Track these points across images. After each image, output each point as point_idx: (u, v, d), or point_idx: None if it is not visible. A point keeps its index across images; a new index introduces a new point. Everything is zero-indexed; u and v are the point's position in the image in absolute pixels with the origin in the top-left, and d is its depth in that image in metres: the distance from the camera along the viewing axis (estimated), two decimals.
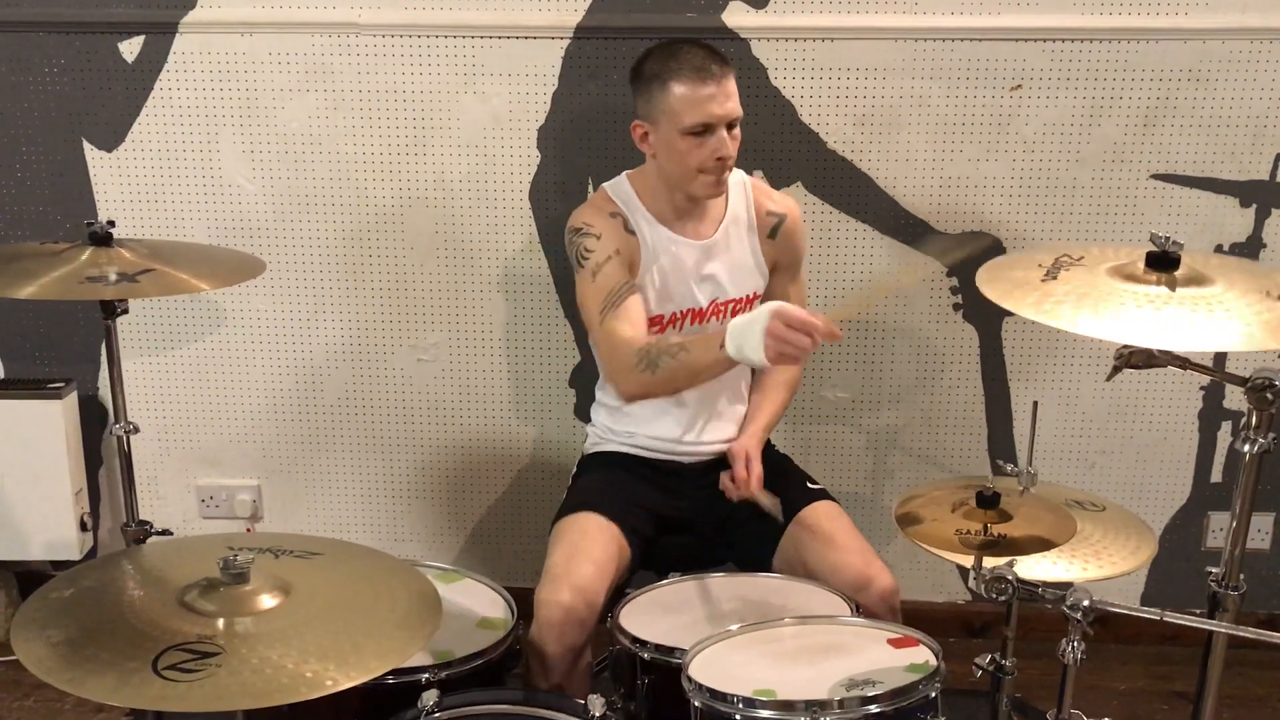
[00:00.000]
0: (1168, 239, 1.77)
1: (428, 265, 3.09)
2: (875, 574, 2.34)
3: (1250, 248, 3.00)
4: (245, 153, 3.04)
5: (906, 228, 3.02)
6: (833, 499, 2.56)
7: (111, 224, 2.27)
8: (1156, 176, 2.96)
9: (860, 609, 2.28)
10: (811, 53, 2.90)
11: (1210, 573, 1.87)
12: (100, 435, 3.27)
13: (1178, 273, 1.76)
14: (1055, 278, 1.80)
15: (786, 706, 1.82)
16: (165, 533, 2.44)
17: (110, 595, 1.97)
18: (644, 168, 2.54)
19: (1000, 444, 3.17)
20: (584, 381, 3.14)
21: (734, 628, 2.08)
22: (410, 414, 3.21)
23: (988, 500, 1.90)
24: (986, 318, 3.07)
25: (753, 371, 2.69)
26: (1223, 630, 1.81)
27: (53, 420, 3.08)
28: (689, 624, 2.25)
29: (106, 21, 2.95)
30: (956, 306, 3.07)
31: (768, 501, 2.41)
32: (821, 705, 1.80)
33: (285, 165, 3.04)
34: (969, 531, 1.87)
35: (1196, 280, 1.76)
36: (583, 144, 3.00)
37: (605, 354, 2.44)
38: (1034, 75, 2.90)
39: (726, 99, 2.36)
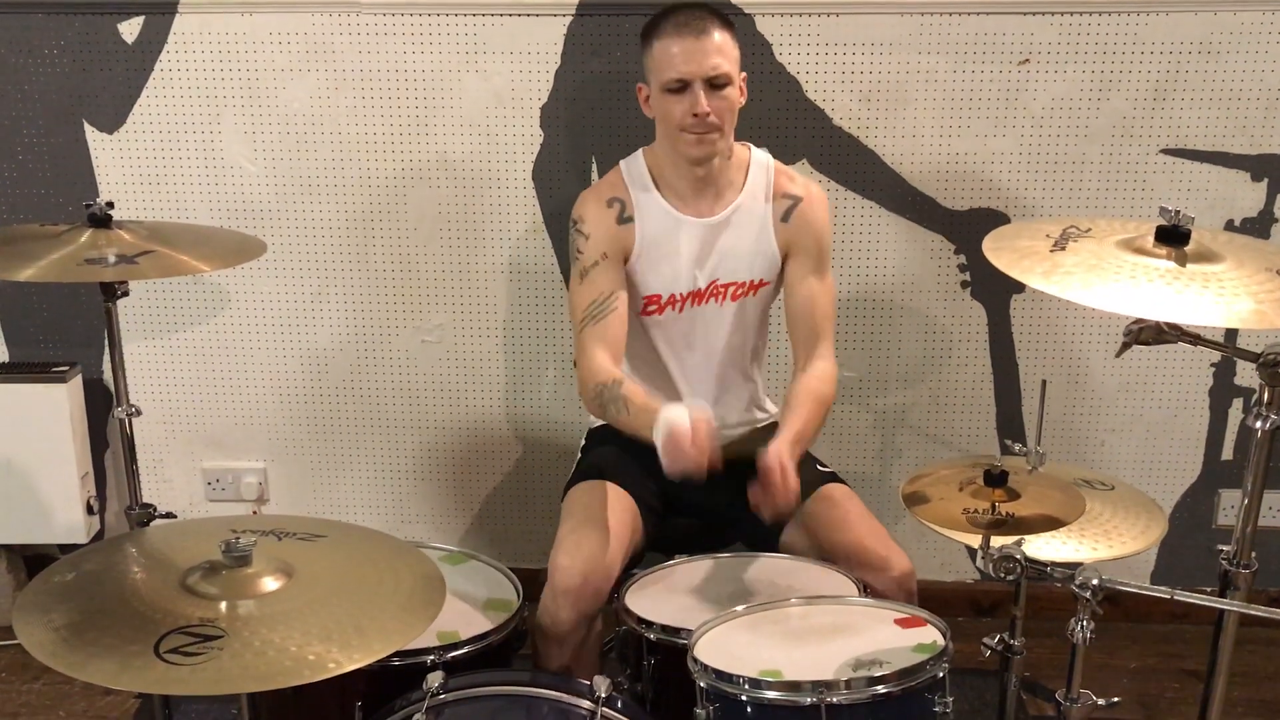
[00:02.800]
0: (1177, 212, 1.74)
1: (431, 246, 3.07)
2: (892, 557, 2.32)
3: (1261, 222, 2.97)
4: (247, 134, 3.02)
5: (913, 204, 2.99)
6: (843, 481, 2.54)
7: (110, 205, 2.25)
8: (1166, 151, 2.93)
9: (870, 590, 2.26)
10: (816, 28, 2.87)
11: (1221, 550, 1.84)
12: (106, 418, 3.26)
13: (1187, 248, 1.73)
14: (1064, 248, 1.77)
15: (793, 687, 1.80)
16: (169, 516, 2.43)
17: (113, 578, 1.97)
18: (656, 142, 2.52)
19: (1009, 422, 3.15)
20: None
21: (740, 608, 2.07)
22: (415, 396, 3.20)
23: (995, 479, 1.88)
24: (995, 295, 3.05)
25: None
26: (1233, 609, 1.78)
27: (58, 404, 3.07)
28: (696, 605, 2.24)
29: (106, 2, 2.93)
30: (965, 284, 3.04)
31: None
32: (828, 685, 1.78)
33: (287, 146, 3.02)
34: (977, 511, 1.85)
35: (1206, 256, 1.73)
36: (586, 122, 2.97)
37: (579, 361, 2.48)
38: (1042, 49, 2.87)
39: (705, 56, 2.31)
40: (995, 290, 3.04)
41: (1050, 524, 1.84)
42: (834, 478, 2.54)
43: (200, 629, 1.79)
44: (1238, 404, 3.10)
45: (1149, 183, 2.95)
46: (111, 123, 3.03)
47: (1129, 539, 2.04)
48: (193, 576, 1.92)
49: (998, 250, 1.81)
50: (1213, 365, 3.08)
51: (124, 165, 3.06)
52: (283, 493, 3.30)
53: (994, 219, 2.99)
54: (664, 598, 2.28)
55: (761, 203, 2.51)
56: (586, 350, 2.44)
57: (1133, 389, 3.10)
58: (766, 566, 2.39)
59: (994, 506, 1.85)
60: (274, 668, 1.73)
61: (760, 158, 2.54)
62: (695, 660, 1.91)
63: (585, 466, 2.56)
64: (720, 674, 1.85)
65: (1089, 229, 1.85)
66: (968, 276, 3.04)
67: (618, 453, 2.56)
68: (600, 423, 2.68)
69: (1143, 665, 3.10)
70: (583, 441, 2.73)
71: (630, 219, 2.48)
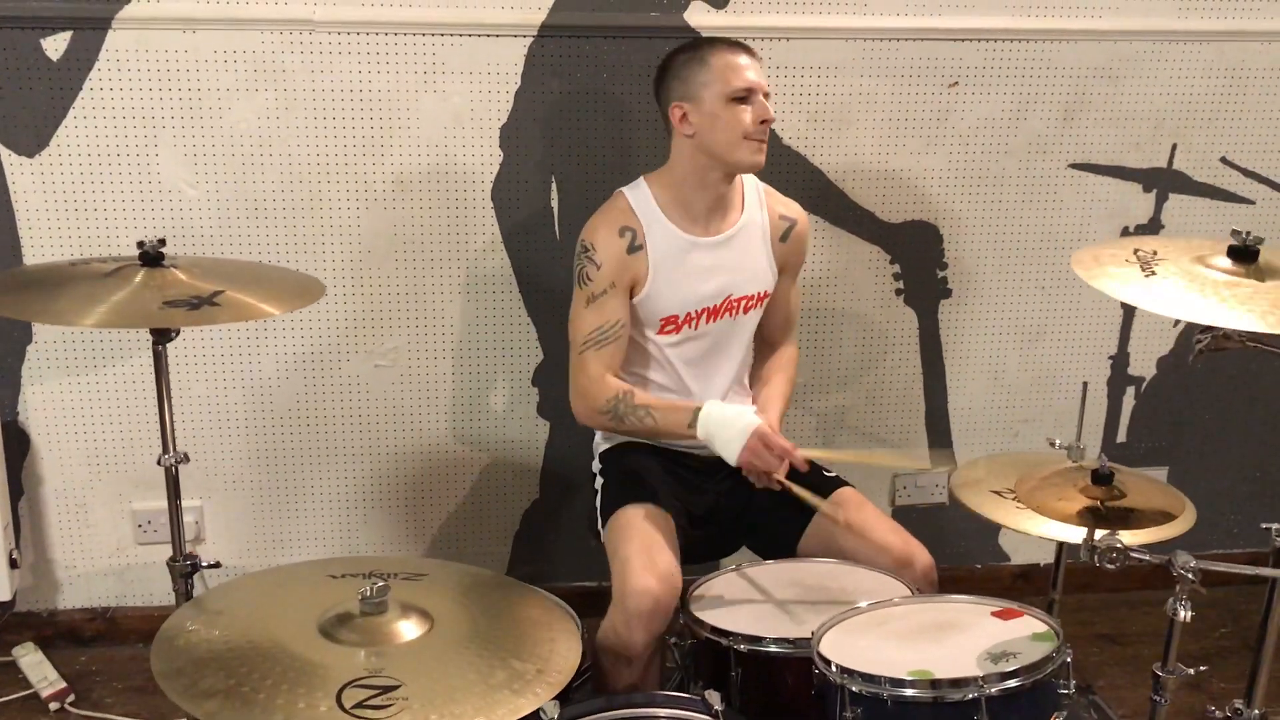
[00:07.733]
0: (1248, 234, 1.97)
1: (385, 268, 3.01)
2: (915, 552, 2.46)
3: (1151, 229, 3.31)
4: (187, 156, 2.86)
5: (854, 218, 3.17)
6: (849, 484, 2.66)
7: (162, 242, 2.12)
8: (1074, 166, 3.22)
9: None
10: (769, 52, 2.99)
11: (1271, 528, 2.08)
12: (20, 464, 3.01)
13: (1260, 264, 1.96)
14: (1154, 272, 1.97)
15: (948, 685, 1.89)
16: (215, 565, 2.30)
17: (240, 635, 1.88)
18: (665, 168, 2.57)
19: (936, 418, 3.37)
20: (547, 380, 3.13)
21: (864, 604, 2.15)
22: (366, 422, 3.11)
23: (1103, 478, 2.06)
24: (925, 301, 3.26)
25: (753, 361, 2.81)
26: None
27: None
28: (766, 614, 2.30)
29: (27, 16, 2.72)
30: (899, 292, 3.24)
31: (802, 492, 2.47)
32: (981, 681, 1.88)
33: (232, 169, 2.89)
34: (1097, 507, 2.02)
35: (1275, 273, 1.96)
36: (546, 143, 2.98)
37: (578, 383, 2.57)
38: (970, 73, 3.10)
39: (759, 72, 2.47)
40: (925, 297, 3.26)
41: (1163, 517, 2.02)
42: (842, 481, 2.66)
43: (374, 680, 1.75)
44: (1130, 391, 3.44)
45: (1059, 194, 3.23)
46: (32, 145, 2.81)
47: (1167, 526, 2.24)
48: (331, 626, 1.87)
49: (1094, 277, 1.98)
50: (1110, 358, 3.40)
51: (45, 191, 2.84)
52: (220, 531, 3.14)
53: (925, 230, 3.20)
54: (729, 609, 2.34)
55: (759, 221, 2.64)
56: (589, 370, 2.53)
57: (1043, 383, 3.39)
58: (809, 571, 2.48)
59: (1103, 503, 2.02)
60: (469, 711, 1.71)
61: (750, 181, 2.66)
62: (831, 663, 1.97)
63: (626, 489, 2.56)
64: (868, 677, 1.93)
65: (1155, 250, 2.05)
66: (901, 285, 3.24)
67: (644, 473, 2.59)
68: (610, 445, 2.70)
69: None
70: (597, 464, 2.71)
71: (640, 247, 2.53)
